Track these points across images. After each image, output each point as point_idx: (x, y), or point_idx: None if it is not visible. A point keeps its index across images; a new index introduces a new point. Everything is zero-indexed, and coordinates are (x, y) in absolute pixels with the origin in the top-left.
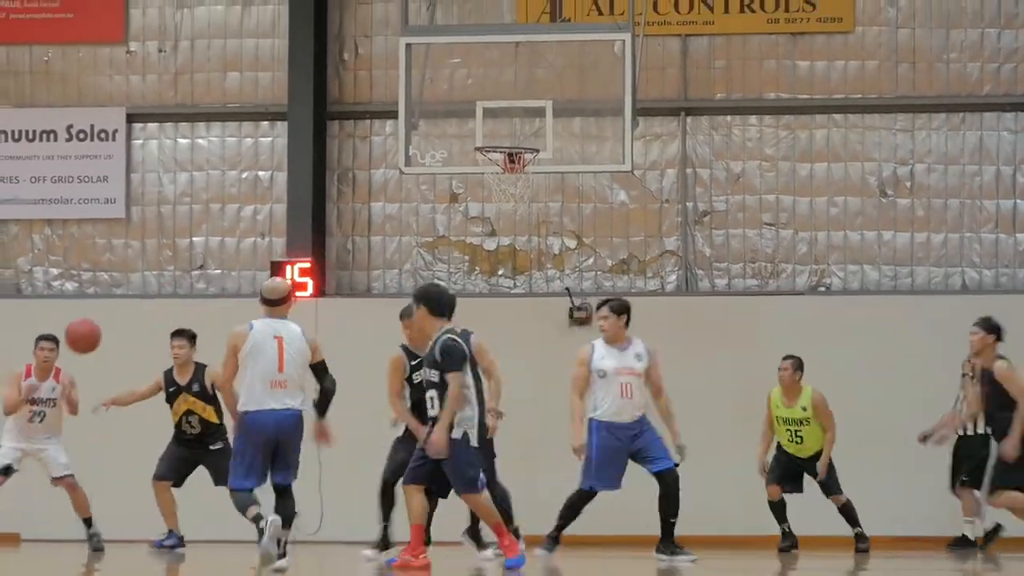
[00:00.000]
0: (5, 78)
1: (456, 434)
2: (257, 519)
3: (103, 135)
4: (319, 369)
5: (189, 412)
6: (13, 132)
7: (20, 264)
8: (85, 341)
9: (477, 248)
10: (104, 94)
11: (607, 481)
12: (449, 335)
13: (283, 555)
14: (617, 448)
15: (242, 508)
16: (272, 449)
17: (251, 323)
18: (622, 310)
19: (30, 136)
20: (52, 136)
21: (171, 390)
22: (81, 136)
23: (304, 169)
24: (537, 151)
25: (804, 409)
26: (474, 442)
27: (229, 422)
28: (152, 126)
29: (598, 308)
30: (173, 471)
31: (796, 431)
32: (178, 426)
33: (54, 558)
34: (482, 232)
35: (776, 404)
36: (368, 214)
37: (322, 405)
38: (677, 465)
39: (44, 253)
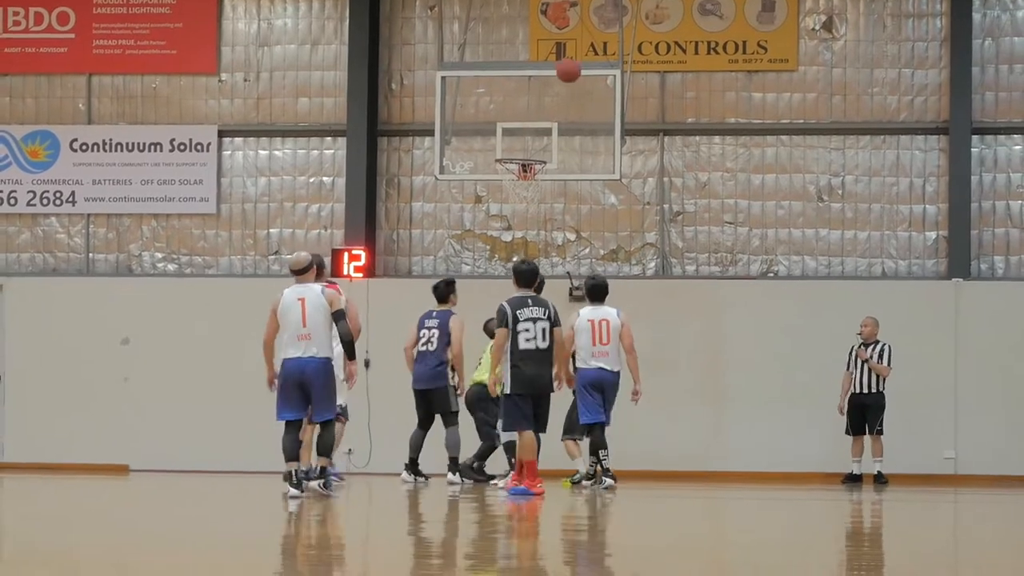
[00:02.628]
0: (122, 102)
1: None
2: (287, 478)
3: (199, 147)
4: (336, 316)
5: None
6: (127, 144)
7: (132, 249)
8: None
9: (496, 240)
10: (200, 114)
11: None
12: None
13: (320, 477)
14: None
15: (284, 452)
16: (304, 389)
17: (284, 290)
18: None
19: (141, 147)
20: (159, 147)
21: None
22: (181, 148)
23: (359, 176)
24: (545, 162)
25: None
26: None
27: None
28: (238, 140)
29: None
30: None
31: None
32: None
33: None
34: (500, 227)
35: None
36: (410, 212)
37: (345, 348)
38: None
39: (151, 240)
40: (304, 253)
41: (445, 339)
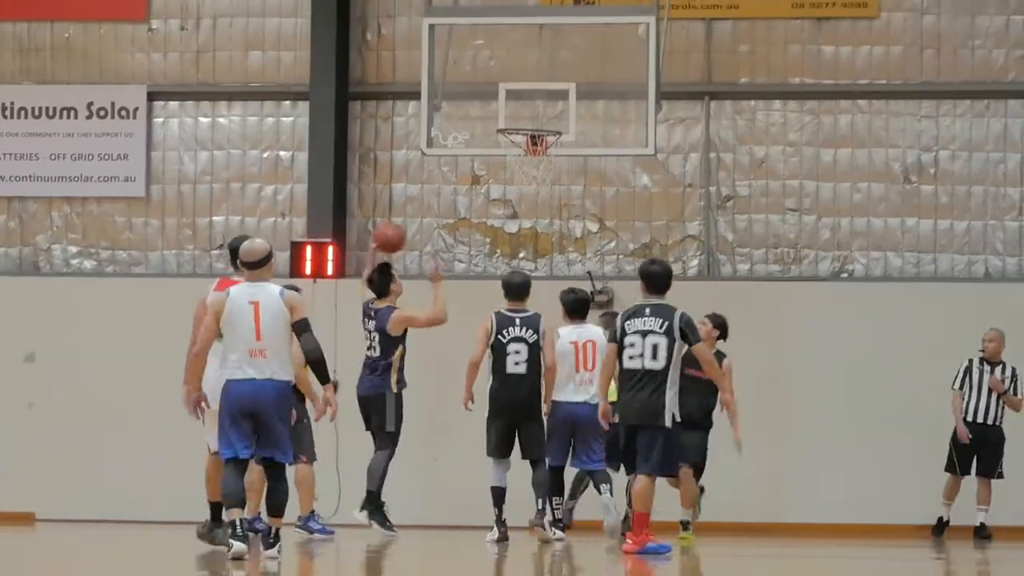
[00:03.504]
0: (26, 55)
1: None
2: (229, 528)
3: (124, 113)
4: (298, 328)
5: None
6: (33, 109)
7: (39, 242)
8: (389, 244)
9: (498, 231)
10: (125, 72)
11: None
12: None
13: (273, 543)
14: None
15: (224, 497)
16: (257, 420)
17: (229, 289)
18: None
19: (50, 113)
20: (72, 113)
21: None
22: (101, 114)
23: (325, 149)
24: (560, 134)
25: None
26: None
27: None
28: (173, 104)
29: None
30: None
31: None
32: None
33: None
34: (504, 214)
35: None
36: (389, 195)
37: (315, 370)
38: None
39: (63, 231)
40: (259, 241)
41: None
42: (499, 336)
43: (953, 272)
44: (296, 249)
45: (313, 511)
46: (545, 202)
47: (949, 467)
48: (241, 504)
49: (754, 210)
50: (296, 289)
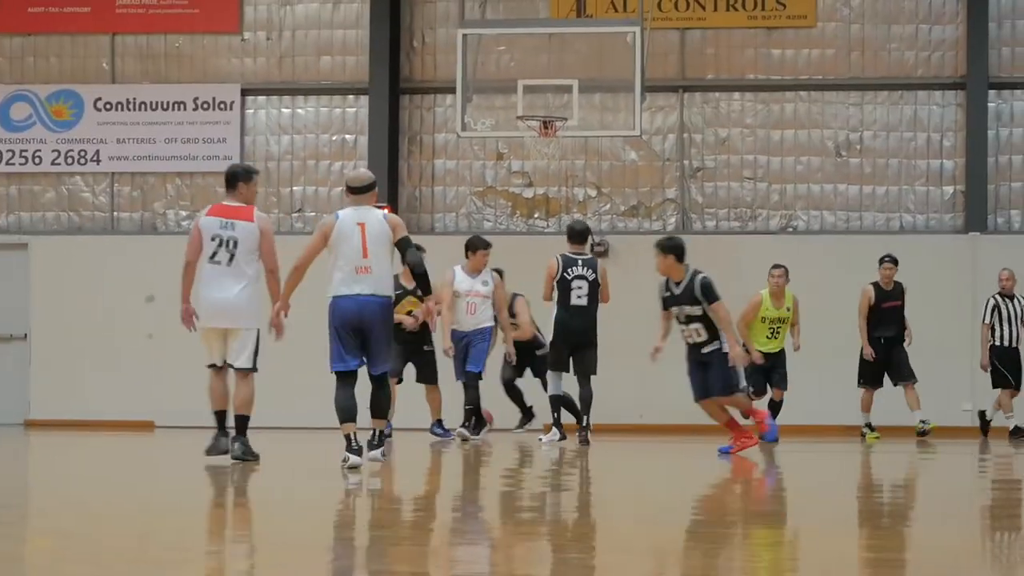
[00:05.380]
0: (145, 61)
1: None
2: (347, 441)
3: (222, 106)
4: (401, 245)
5: (410, 313)
6: (151, 103)
7: (156, 208)
8: None
9: (518, 196)
10: (223, 73)
11: None
12: (704, 274)
13: (378, 444)
14: None
15: (340, 414)
16: (360, 335)
17: (337, 213)
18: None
19: (164, 106)
20: (182, 106)
21: (398, 292)
22: (205, 107)
23: (381, 134)
24: (566, 119)
25: (788, 310)
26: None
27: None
28: (261, 99)
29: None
30: (396, 368)
31: (776, 329)
32: (398, 324)
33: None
34: (522, 184)
35: (766, 306)
36: (432, 169)
37: (419, 283)
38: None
39: (175, 199)
40: (364, 170)
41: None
42: (564, 274)
43: (875, 227)
44: None
45: (440, 419)
46: (555, 173)
47: (995, 383)
48: (353, 418)
49: (719, 179)
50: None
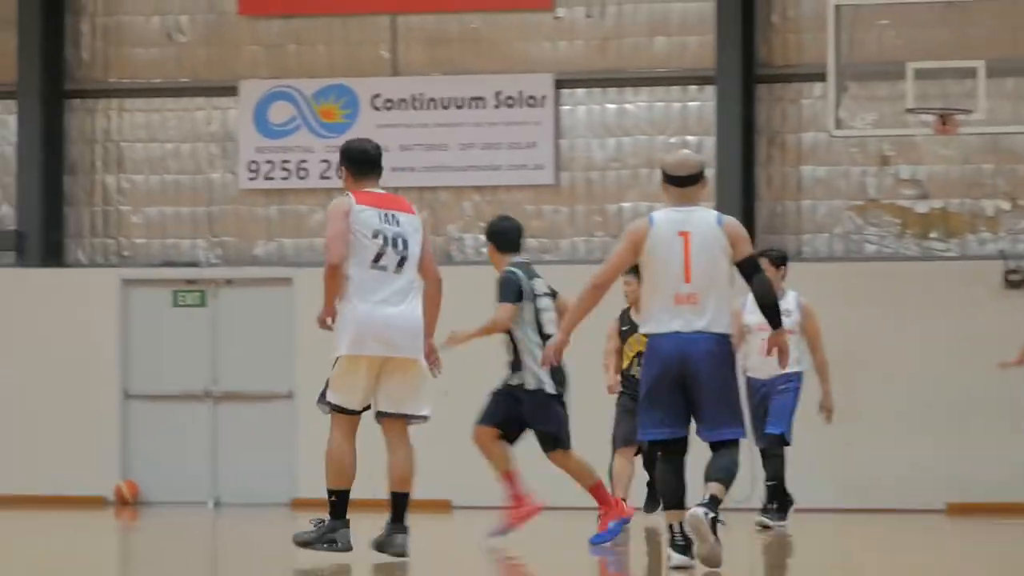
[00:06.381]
0: (435, 47)
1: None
2: (671, 534)
3: (532, 101)
4: (746, 269)
5: (641, 354)
6: (442, 100)
7: (450, 231)
8: None
9: (908, 211)
10: (532, 60)
11: None
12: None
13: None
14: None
15: (665, 499)
16: (683, 385)
17: (651, 215)
18: (782, 261)
19: (458, 103)
20: (481, 103)
21: (624, 328)
22: (509, 102)
23: (733, 133)
24: (969, 112)
25: None
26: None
27: None
28: (580, 91)
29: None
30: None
31: None
32: (627, 370)
33: None
34: (914, 195)
35: None
36: (798, 177)
37: (767, 316)
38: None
39: (474, 220)
40: (688, 152)
41: None
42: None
43: None
44: None
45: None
46: (956, 181)
47: None
48: (683, 504)
49: None
50: None
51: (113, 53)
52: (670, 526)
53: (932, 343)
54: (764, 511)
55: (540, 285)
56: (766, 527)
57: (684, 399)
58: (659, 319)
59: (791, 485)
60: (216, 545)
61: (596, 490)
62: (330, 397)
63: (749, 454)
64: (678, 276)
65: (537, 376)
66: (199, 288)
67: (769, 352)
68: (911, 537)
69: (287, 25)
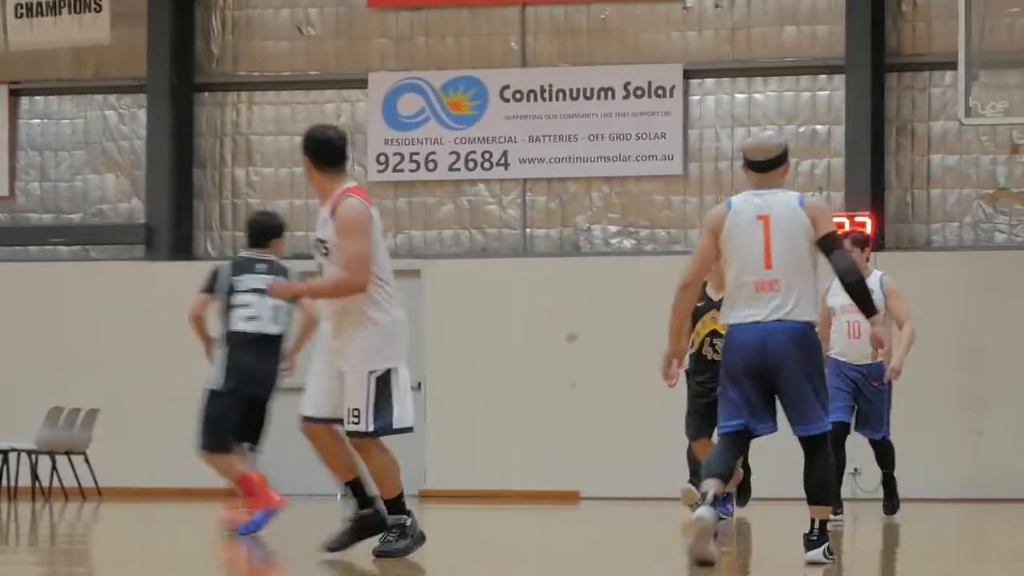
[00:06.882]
0: (564, 37)
1: None
2: (704, 499)
3: (660, 92)
4: (825, 245)
5: (715, 334)
6: (571, 91)
7: (579, 222)
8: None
9: None
10: (661, 50)
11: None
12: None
13: (818, 541)
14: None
15: (704, 471)
16: (762, 379)
17: (729, 200)
18: (864, 243)
19: (588, 94)
20: (610, 94)
21: (700, 304)
22: (638, 93)
23: (862, 122)
24: None
25: None
26: None
27: None
28: (709, 82)
29: None
30: (708, 423)
31: None
32: (699, 351)
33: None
34: None
35: None
36: (927, 167)
37: (853, 296)
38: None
39: (602, 211)
40: (771, 135)
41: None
42: None
43: None
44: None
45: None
46: None
47: None
48: (722, 476)
49: None
50: None
51: (243, 46)
52: (812, 520)
53: None
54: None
55: (249, 281)
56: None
57: (767, 393)
58: (739, 308)
59: (925, 475)
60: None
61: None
62: (402, 421)
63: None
64: (759, 262)
65: (212, 372)
66: None
67: (876, 353)
68: None
69: (416, 17)
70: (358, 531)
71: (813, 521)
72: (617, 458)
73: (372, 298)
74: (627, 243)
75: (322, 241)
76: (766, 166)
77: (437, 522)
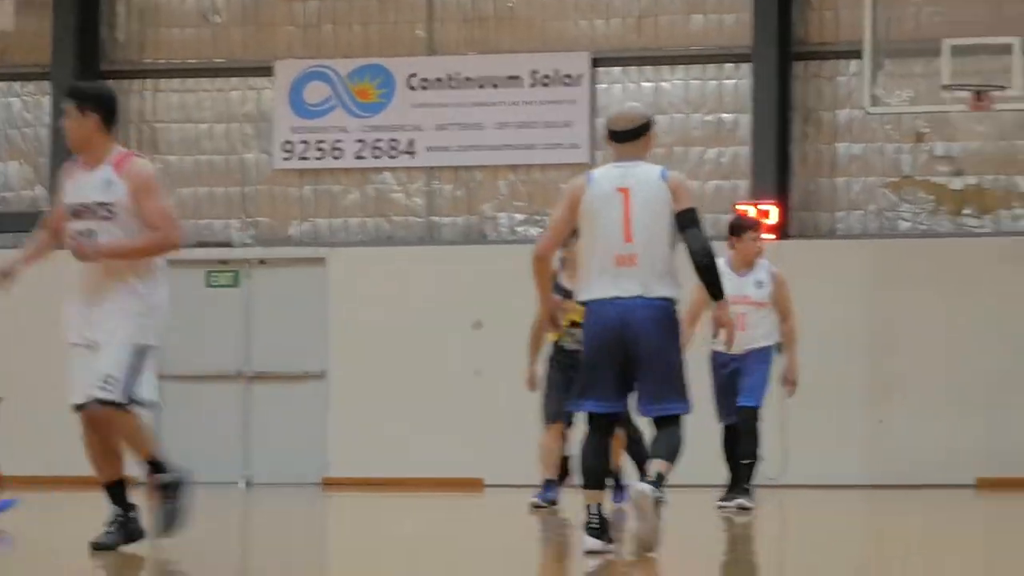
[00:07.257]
0: (471, 25)
1: None
2: (588, 515)
3: (567, 80)
4: (683, 220)
5: (575, 324)
6: (478, 79)
7: (485, 210)
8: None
9: (943, 188)
10: (568, 38)
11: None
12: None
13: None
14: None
15: (585, 477)
16: (624, 356)
17: (590, 173)
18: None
19: (494, 82)
20: (516, 82)
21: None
22: (545, 81)
23: (769, 111)
24: (1004, 88)
25: None
26: None
27: None
28: (616, 70)
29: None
30: (564, 408)
31: None
32: (557, 344)
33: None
34: (948, 172)
35: None
36: (833, 155)
37: (704, 279)
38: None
39: (509, 199)
40: (634, 104)
41: None
42: None
43: None
44: (736, 212)
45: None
46: (990, 158)
47: None
48: (603, 485)
49: None
50: None
51: (148, 33)
52: (587, 507)
53: (965, 320)
54: (738, 492)
55: None
56: (744, 509)
57: (623, 371)
58: (597, 283)
59: (825, 462)
60: (246, 525)
61: None
62: (152, 395)
63: (780, 433)
64: (617, 235)
65: None
66: (232, 268)
67: (715, 334)
68: (944, 513)
69: (322, 5)
70: (128, 533)
71: (660, 475)
72: (521, 446)
73: (139, 271)
74: (533, 231)
75: (103, 204)
76: (628, 136)
77: (340, 510)
